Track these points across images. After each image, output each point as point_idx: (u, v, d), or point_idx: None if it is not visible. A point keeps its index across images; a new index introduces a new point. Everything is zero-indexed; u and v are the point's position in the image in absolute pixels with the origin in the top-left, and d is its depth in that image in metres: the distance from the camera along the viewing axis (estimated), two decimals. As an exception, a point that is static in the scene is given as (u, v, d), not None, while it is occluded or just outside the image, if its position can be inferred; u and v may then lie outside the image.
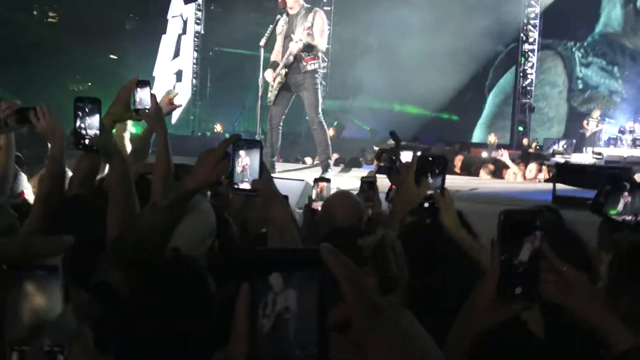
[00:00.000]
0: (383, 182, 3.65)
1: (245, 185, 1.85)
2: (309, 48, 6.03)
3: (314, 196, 3.41)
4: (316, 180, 3.49)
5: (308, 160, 10.26)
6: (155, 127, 2.52)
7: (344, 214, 2.73)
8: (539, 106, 15.60)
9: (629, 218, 1.93)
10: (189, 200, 1.90)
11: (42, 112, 2.43)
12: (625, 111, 14.99)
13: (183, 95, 18.43)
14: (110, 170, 2.20)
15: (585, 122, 12.76)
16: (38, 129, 2.45)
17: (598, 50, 16.58)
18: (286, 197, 3.04)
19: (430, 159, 2.11)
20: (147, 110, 2.47)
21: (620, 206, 1.94)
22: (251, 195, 1.89)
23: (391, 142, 5.63)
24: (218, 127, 16.99)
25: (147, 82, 2.52)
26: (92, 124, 2.06)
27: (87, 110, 2.07)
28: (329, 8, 14.93)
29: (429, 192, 2.03)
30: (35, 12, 20.71)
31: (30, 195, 3.38)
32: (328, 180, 3.53)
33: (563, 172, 4.59)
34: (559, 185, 4.79)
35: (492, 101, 17.60)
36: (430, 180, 2.07)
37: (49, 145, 2.55)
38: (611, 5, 16.38)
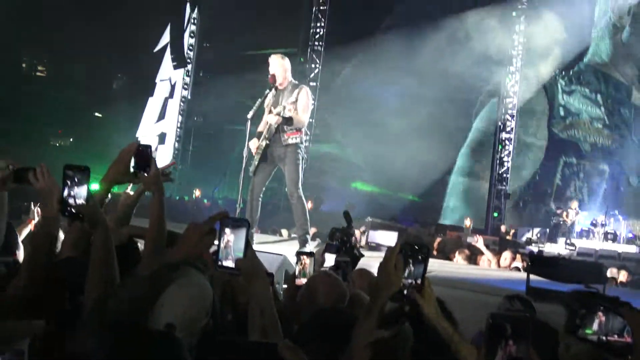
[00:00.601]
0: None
1: (229, 263, 1.86)
2: (288, 122, 6.16)
3: (297, 272, 3.38)
4: (299, 254, 3.46)
5: (284, 232, 10.24)
6: (154, 191, 2.53)
7: (327, 294, 2.74)
8: (518, 133, 15.87)
9: (603, 338, 2.03)
10: (172, 272, 1.90)
11: (42, 172, 2.40)
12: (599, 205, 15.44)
13: (164, 157, 18.49)
14: (94, 237, 2.17)
15: (564, 212, 13.05)
16: (36, 189, 2.41)
17: (582, 80, 17.10)
18: (271, 275, 3.03)
19: (414, 246, 2.13)
20: (145, 174, 2.49)
21: (595, 326, 2.04)
22: (234, 273, 1.90)
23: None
24: (197, 192, 16.97)
25: (148, 147, 2.55)
26: (80, 193, 2.06)
27: (76, 180, 2.07)
28: (314, 83, 15.38)
29: (410, 281, 2.04)
30: (24, 65, 20.88)
31: (22, 255, 3.33)
32: (311, 255, 3.52)
33: (537, 264, 4.64)
34: (533, 276, 4.84)
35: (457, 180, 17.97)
36: (412, 267, 2.08)
37: (44, 205, 2.50)
38: (600, 36, 16.99)
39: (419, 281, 1.99)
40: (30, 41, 18.99)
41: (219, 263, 1.86)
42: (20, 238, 3.95)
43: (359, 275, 3.38)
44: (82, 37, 18.07)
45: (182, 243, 1.91)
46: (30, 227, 5.60)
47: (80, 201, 2.06)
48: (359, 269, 3.56)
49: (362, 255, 3.74)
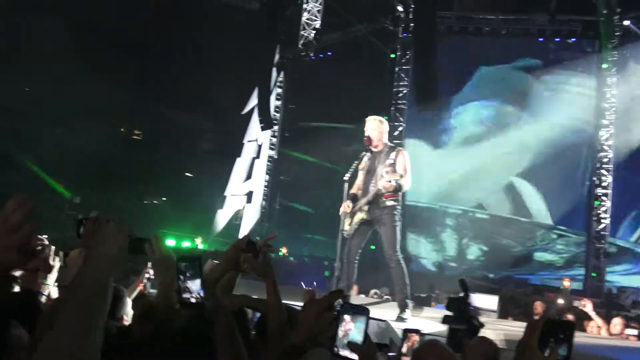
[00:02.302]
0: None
1: (346, 353, 1.80)
2: (398, 187, 6.13)
3: (404, 349, 3.28)
4: (406, 332, 3.36)
5: (378, 293, 10.10)
6: (266, 278, 2.56)
7: None
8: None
9: None
10: (300, 356, 1.87)
11: (157, 243, 2.45)
12: None
13: (251, 215, 18.90)
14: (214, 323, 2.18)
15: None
16: (151, 260, 2.48)
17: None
18: (385, 346, 2.97)
19: (557, 323, 2.00)
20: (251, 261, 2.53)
21: None
22: None
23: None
24: (284, 250, 17.14)
25: (254, 243, 2.58)
26: (193, 287, 2.11)
27: (188, 274, 2.11)
28: (398, 141, 15.42)
29: None
30: (122, 129, 22.23)
31: (129, 321, 3.43)
32: (418, 332, 3.42)
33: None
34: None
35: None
36: (554, 347, 1.95)
37: (160, 274, 2.58)
38: None
39: None
40: (127, 107, 20.24)
41: (336, 350, 1.82)
42: (130, 299, 4.09)
43: (478, 343, 3.23)
44: (174, 102, 19.14)
45: (303, 323, 1.89)
46: (139, 289, 5.81)
47: (195, 293, 2.09)
48: (480, 337, 3.41)
49: (482, 325, 3.60)
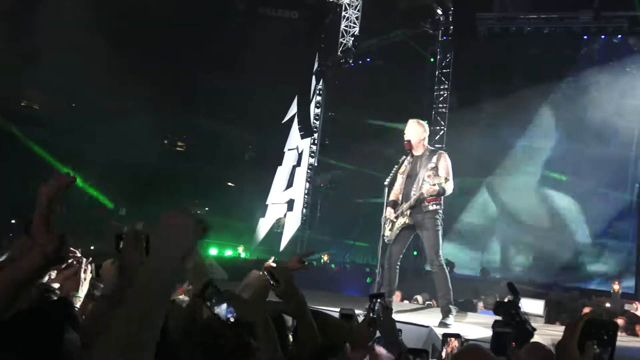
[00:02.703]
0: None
1: None
2: (441, 191, 6.04)
3: (443, 354, 3.20)
4: (446, 337, 3.28)
5: (419, 298, 9.99)
6: (289, 299, 2.63)
7: None
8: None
9: None
10: None
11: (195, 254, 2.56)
12: None
13: (293, 223, 18.96)
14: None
15: None
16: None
17: None
18: (426, 351, 2.92)
19: (599, 323, 1.91)
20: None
21: None
22: None
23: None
24: (325, 257, 17.14)
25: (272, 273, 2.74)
26: (221, 312, 2.17)
27: (214, 301, 2.18)
28: (440, 146, 15.25)
29: None
30: (166, 141, 22.66)
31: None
32: (458, 337, 3.34)
33: None
34: None
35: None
36: (597, 349, 1.86)
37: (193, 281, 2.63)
38: None
39: None
40: (171, 120, 20.65)
41: None
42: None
43: (533, 350, 3.12)
44: (215, 113, 19.41)
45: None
46: (181, 296, 5.87)
47: (224, 315, 2.16)
48: (534, 342, 3.29)
49: (534, 330, 3.47)
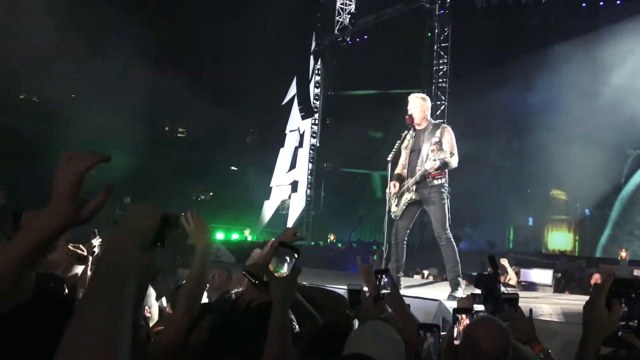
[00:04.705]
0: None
1: None
2: (444, 166, 5.99)
3: (455, 333, 3.16)
4: (456, 313, 3.21)
5: (425, 272, 10.02)
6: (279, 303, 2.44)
7: (490, 340, 2.52)
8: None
9: None
10: None
11: (192, 215, 2.46)
12: None
13: (297, 204, 19.00)
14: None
15: None
16: (189, 231, 2.49)
17: None
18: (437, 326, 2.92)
19: (626, 282, 1.89)
20: None
21: None
22: None
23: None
24: (331, 237, 17.17)
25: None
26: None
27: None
28: (441, 120, 15.17)
29: (622, 322, 1.82)
30: (167, 128, 22.63)
31: (153, 314, 3.42)
32: (469, 312, 3.30)
33: None
34: None
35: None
36: (625, 307, 1.85)
37: (197, 242, 2.56)
38: None
39: (633, 322, 1.79)
40: (170, 107, 20.56)
41: None
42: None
43: (480, 323, 3.13)
44: (214, 97, 19.32)
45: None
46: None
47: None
48: (483, 317, 3.28)
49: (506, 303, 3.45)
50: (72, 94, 18.67)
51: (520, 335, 2.99)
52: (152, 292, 3.60)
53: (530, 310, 3.08)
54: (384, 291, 3.16)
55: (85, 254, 3.36)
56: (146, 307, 3.53)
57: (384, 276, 3.25)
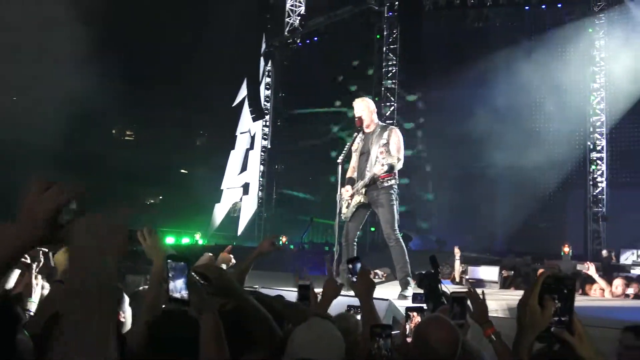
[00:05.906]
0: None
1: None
2: (390, 169, 6.10)
3: (407, 330, 3.20)
4: (409, 311, 3.26)
5: (379, 272, 10.11)
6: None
7: (441, 340, 2.58)
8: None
9: None
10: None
11: (149, 232, 2.51)
12: None
13: (249, 207, 18.90)
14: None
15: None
16: (144, 248, 2.55)
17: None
18: (389, 327, 2.96)
19: (557, 279, 1.95)
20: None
21: None
22: None
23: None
24: (283, 239, 17.13)
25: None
26: (177, 286, 2.05)
27: (172, 274, 2.05)
28: (390, 122, 15.34)
29: (555, 318, 1.88)
30: (114, 131, 22.15)
31: (127, 319, 3.41)
32: (421, 310, 3.37)
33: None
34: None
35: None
36: (558, 303, 1.91)
37: (154, 261, 2.61)
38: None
39: (565, 318, 1.85)
40: (118, 109, 20.12)
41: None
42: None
43: (434, 322, 3.21)
44: (164, 100, 19.03)
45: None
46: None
47: (178, 294, 2.04)
48: (434, 315, 3.37)
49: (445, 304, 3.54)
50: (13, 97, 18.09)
51: (476, 317, 3.06)
52: (125, 298, 3.60)
53: (483, 292, 3.15)
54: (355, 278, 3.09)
55: (28, 261, 3.31)
56: (120, 312, 3.53)
57: (357, 263, 3.19)
